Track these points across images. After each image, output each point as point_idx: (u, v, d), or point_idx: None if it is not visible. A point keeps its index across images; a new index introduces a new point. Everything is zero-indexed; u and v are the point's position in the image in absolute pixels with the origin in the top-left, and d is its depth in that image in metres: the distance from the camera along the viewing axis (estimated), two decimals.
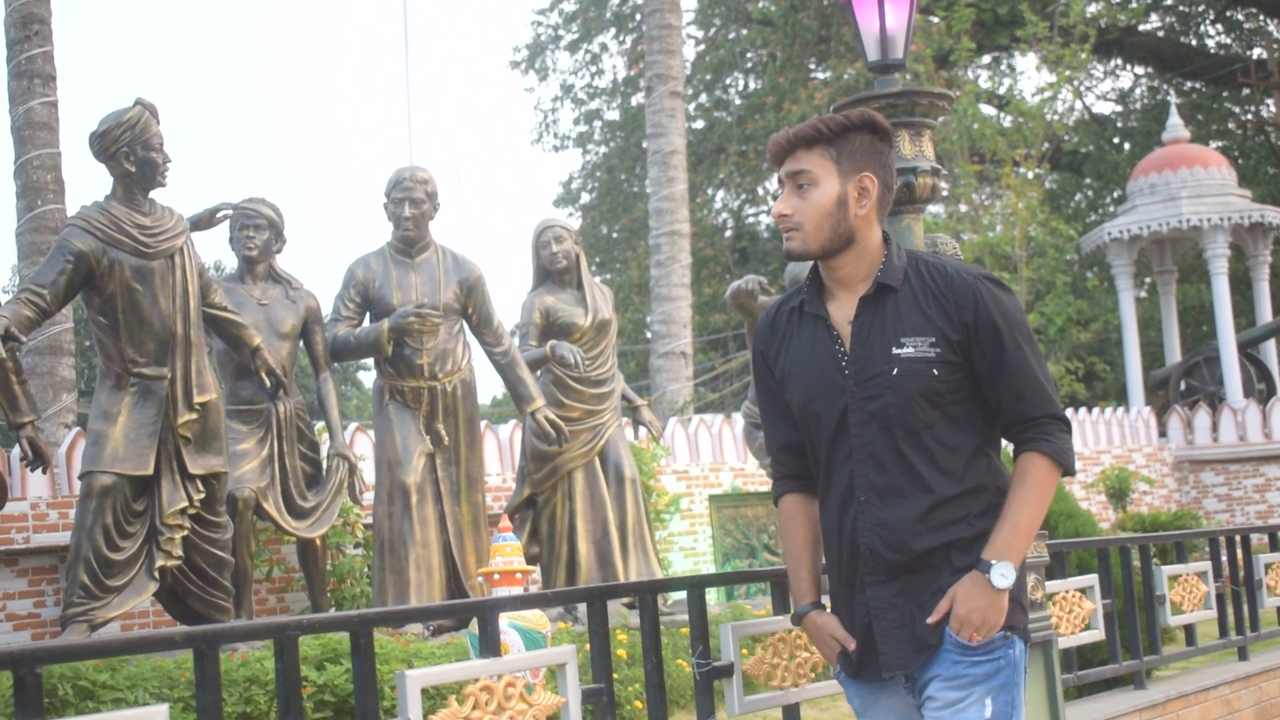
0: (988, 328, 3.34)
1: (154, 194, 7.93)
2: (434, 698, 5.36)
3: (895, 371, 3.33)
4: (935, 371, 3.32)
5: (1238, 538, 8.64)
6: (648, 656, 4.41)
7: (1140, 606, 7.49)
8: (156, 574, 7.79)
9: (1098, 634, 6.68)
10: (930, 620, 3.30)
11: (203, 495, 7.98)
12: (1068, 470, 3.38)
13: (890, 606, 3.36)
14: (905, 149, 5.45)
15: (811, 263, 3.52)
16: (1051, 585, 6.15)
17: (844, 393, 3.39)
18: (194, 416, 7.90)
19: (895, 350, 3.34)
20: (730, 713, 4.59)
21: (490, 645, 3.88)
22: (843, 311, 3.45)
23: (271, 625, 3.21)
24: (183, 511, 7.85)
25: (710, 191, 31.56)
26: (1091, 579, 6.72)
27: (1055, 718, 5.67)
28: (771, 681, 4.64)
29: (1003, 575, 3.25)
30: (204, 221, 9.03)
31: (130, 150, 7.75)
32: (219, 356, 9.05)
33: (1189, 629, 8.01)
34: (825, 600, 3.59)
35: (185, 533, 7.87)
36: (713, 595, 12.20)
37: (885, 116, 5.51)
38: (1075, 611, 6.53)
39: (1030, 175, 22.94)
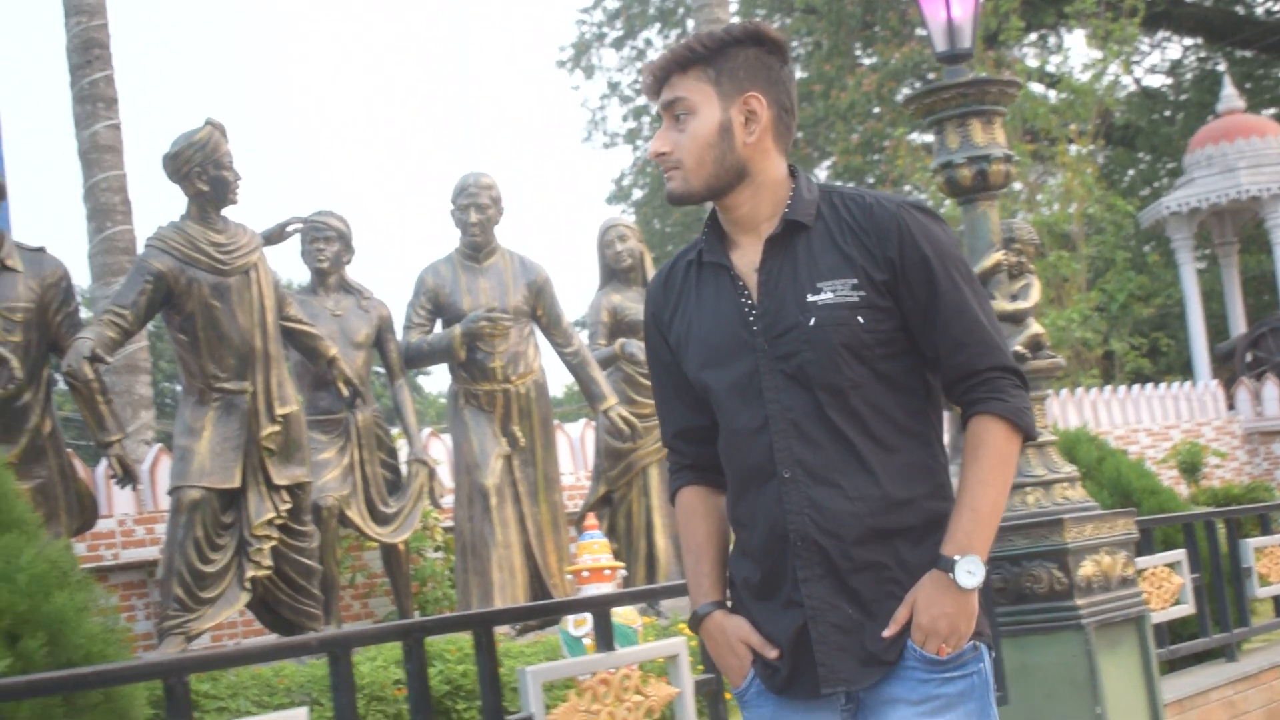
0: (917, 263, 2.81)
1: (226, 211, 8.07)
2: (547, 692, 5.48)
3: (812, 322, 2.79)
4: (860, 319, 2.79)
5: None
6: None
7: (1227, 580, 7.53)
8: (248, 584, 7.92)
9: (1188, 608, 6.73)
10: (887, 633, 2.75)
11: (289, 505, 8.11)
12: (1028, 434, 2.83)
13: (830, 607, 2.78)
14: (977, 137, 5.53)
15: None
16: (1141, 561, 6.19)
17: (753, 352, 2.85)
18: (277, 428, 8.03)
19: (811, 297, 2.81)
20: None
21: (605, 640, 3.98)
22: (747, 259, 2.91)
23: (399, 628, 3.32)
24: (270, 522, 7.98)
25: None
26: (1179, 554, 6.78)
27: (1152, 693, 5.73)
28: None
29: (969, 573, 2.72)
30: (275, 236, 9.17)
31: (202, 170, 7.89)
32: (296, 368, 9.19)
33: (1277, 600, 8.03)
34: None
35: (274, 543, 8.01)
36: None
37: (956, 106, 5.64)
38: (1164, 587, 6.59)
39: (1084, 152, 22.87)
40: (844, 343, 2.77)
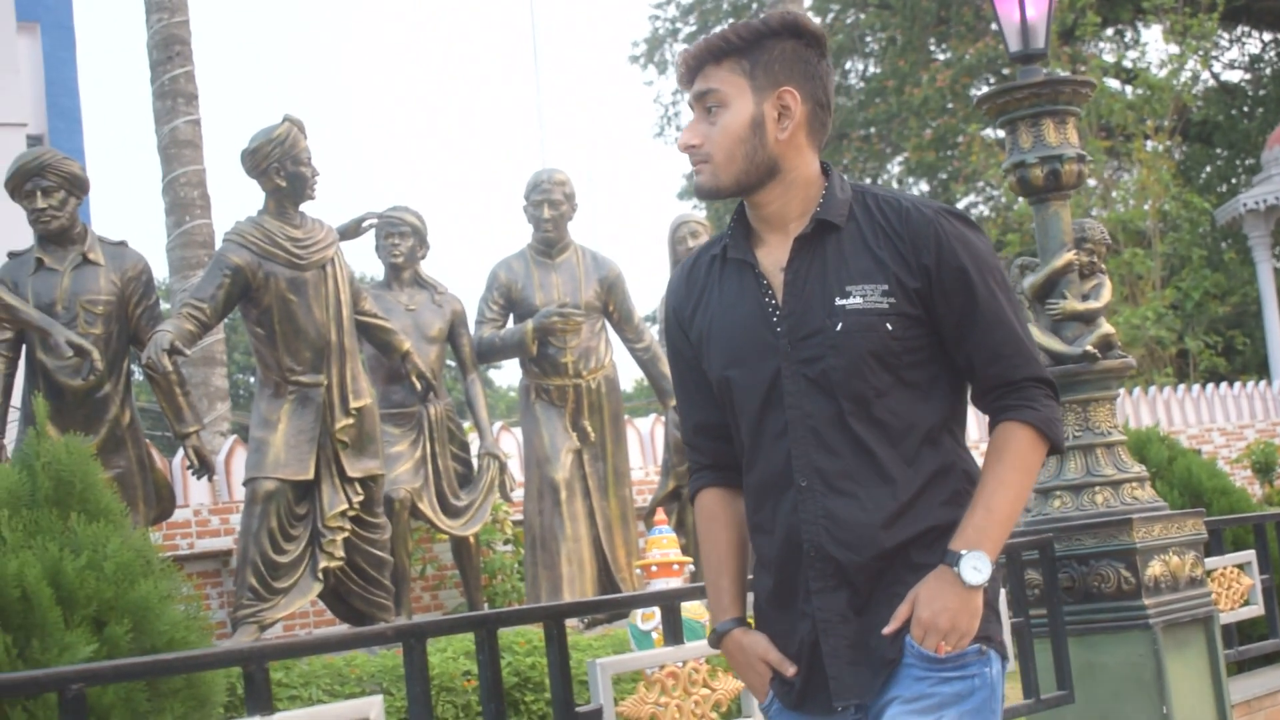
0: (954, 272, 2.73)
1: (304, 207, 8.19)
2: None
3: (839, 326, 2.71)
4: (889, 326, 2.71)
5: None
6: None
7: None
8: (320, 575, 8.05)
9: (1257, 609, 6.71)
10: (887, 630, 2.67)
11: (361, 497, 8.22)
12: (1055, 446, 2.78)
13: (841, 620, 2.71)
14: (1050, 137, 5.55)
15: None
16: (1210, 562, 6.19)
17: (776, 354, 2.76)
18: (351, 421, 8.14)
19: (839, 301, 2.72)
20: None
21: (674, 633, 4.05)
22: (774, 257, 2.82)
23: (473, 619, 3.40)
24: (343, 514, 8.10)
25: None
26: (1249, 555, 6.76)
27: (1220, 693, 5.73)
28: None
29: (975, 569, 2.62)
30: (350, 231, 9.29)
31: (280, 166, 8.00)
32: (370, 362, 9.31)
33: None
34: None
35: (346, 534, 8.12)
36: None
37: (1029, 106, 5.67)
38: (1234, 588, 6.57)
39: (1160, 148, 22.70)
40: (871, 350, 2.70)
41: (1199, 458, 7.85)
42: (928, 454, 2.74)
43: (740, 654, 2.84)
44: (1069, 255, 5.78)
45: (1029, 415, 2.73)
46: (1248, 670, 7.06)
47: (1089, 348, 5.67)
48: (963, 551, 2.62)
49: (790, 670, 2.75)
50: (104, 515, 3.14)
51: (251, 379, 35.07)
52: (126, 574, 3.01)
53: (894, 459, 2.70)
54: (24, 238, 8.06)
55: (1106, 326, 5.72)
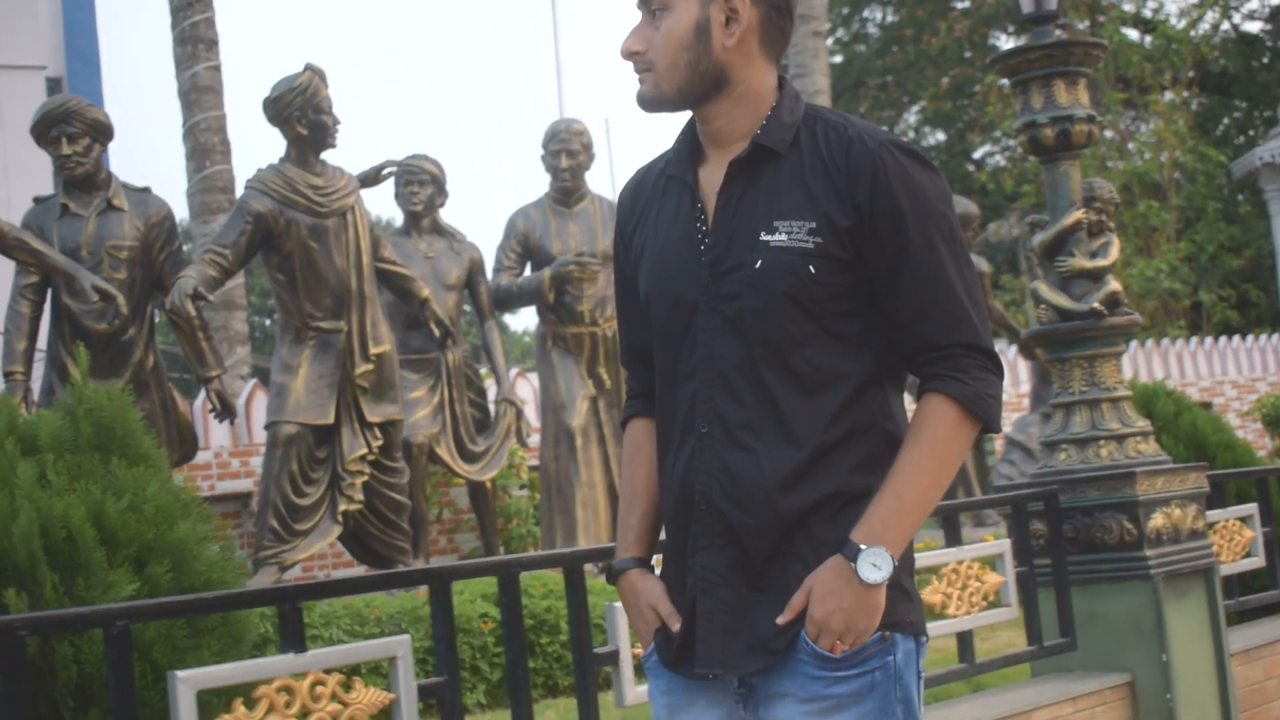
0: (888, 213, 2.45)
1: (324, 155, 8.30)
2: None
3: (759, 264, 2.46)
4: (811, 268, 2.44)
5: None
6: None
7: None
8: (340, 518, 8.21)
9: (1258, 561, 6.83)
10: (780, 620, 2.43)
11: (380, 442, 8.37)
12: (986, 424, 2.48)
13: (724, 582, 2.48)
14: (1061, 97, 5.65)
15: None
16: (1212, 514, 6.32)
17: (697, 286, 2.53)
18: (370, 367, 8.28)
19: (764, 235, 2.47)
20: None
21: None
22: (713, 179, 2.58)
23: (496, 563, 3.54)
24: (362, 458, 8.25)
25: None
26: (1251, 508, 6.87)
27: (1219, 642, 5.88)
28: (947, 610, 4.92)
29: (874, 566, 2.38)
30: (370, 179, 9.39)
31: (302, 114, 8.12)
32: (388, 309, 9.44)
33: None
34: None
35: (365, 478, 8.28)
36: None
37: (1042, 67, 5.77)
38: (1235, 540, 6.69)
39: (1177, 100, 22.68)
40: (787, 292, 2.45)
41: (1204, 412, 7.95)
42: (849, 414, 2.47)
43: (632, 596, 2.64)
44: (1078, 214, 5.89)
45: (954, 388, 2.45)
46: (1248, 620, 7.18)
47: (1096, 305, 5.79)
48: (862, 546, 2.39)
49: (676, 624, 2.54)
50: (143, 460, 3.28)
51: (267, 322, 35.23)
52: (165, 516, 3.16)
53: (802, 414, 2.46)
54: (45, 184, 8.18)
55: (1114, 284, 5.83)
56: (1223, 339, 18.35)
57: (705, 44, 2.50)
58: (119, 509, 3.10)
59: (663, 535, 2.67)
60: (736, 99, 2.54)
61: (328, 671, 3.12)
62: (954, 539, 5.15)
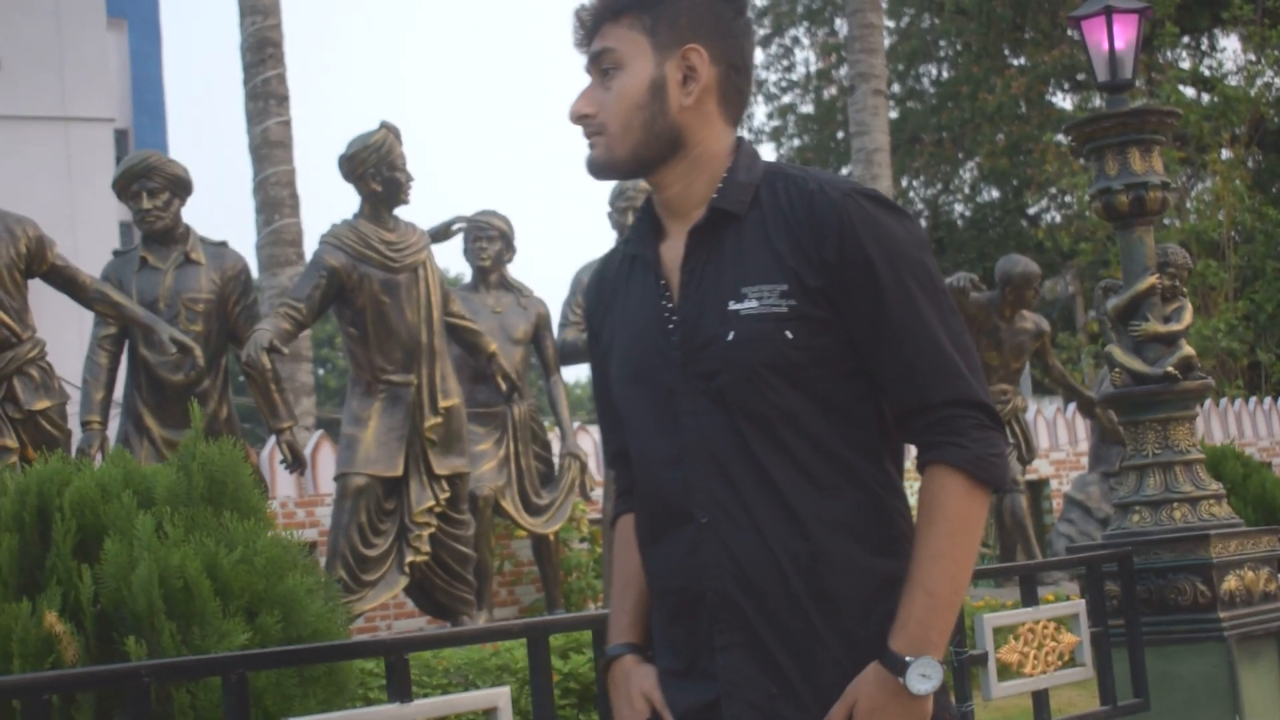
0: (858, 265, 2.26)
1: (397, 211, 8.45)
2: None
3: (731, 336, 2.28)
4: (788, 334, 2.26)
5: None
6: None
7: None
8: (406, 569, 8.32)
9: None
10: None
11: (448, 495, 8.49)
12: (993, 487, 2.28)
13: (749, 683, 2.28)
14: (1136, 164, 5.76)
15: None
16: None
17: (670, 367, 2.35)
18: (439, 420, 8.41)
19: (733, 305, 2.29)
20: (985, 697, 4.96)
21: None
22: (675, 253, 2.40)
23: (590, 618, 3.64)
24: (430, 510, 8.37)
25: (905, 181, 31.63)
26: None
27: None
28: (1023, 669, 4.98)
29: (923, 677, 2.20)
30: (440, 234, 9.56)
31: (376, 171, 8.28)
32: (456, 362, 9.58)
33: None
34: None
35: (432, 530, 8.39)
36: None
37: (1117, 134, 5.87)
38: None
39: (1235, 158, 22.68)
40: (766, 362, 2.27)
41: (1273, 474, 7.98)
42: (849, 487, 2.31)
43: (624, 683, 2.46)
44: (1152, 279, 5.97)
45: (955, 456, 2.26)
46: None
47: (1170, 369, 5.86)
48: (908, 658, 2.20)
49: (669, 718, 2.37)
50: (253, 513, 3.40)
51: (321, 371, 35.51)
52: (275, 568, 3.27)
53: (802, 492, 2.28)
54: (112, 232, 8.36)
55: (1187, 348, 5.90)
56: (1253, 401, 18.30)
57: (661, 104, 2.36)
58: (232, 560, 3.21)
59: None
60: (692, 162, 2.38)
61: None
62: (1030, 599, 5.22)
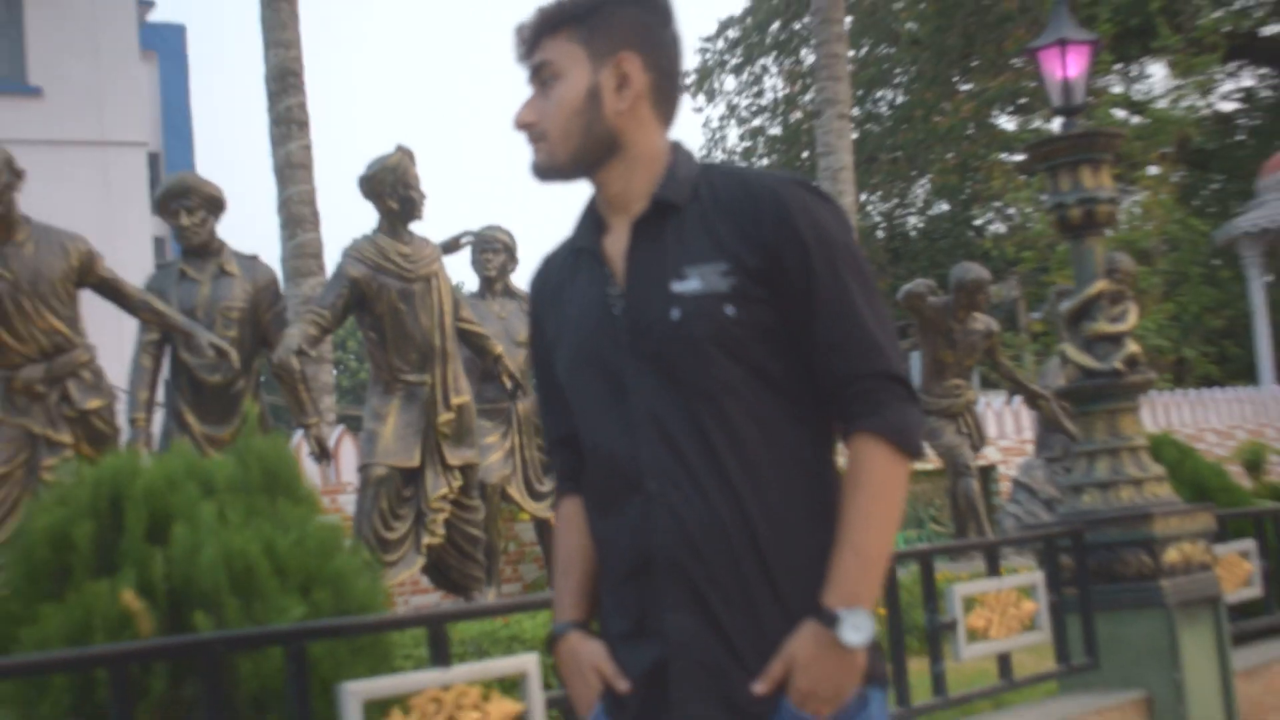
0: (794, 247, 2.25)
1: (411, 226, 8.49)
2: None
3: (675, 315, 2.26)
4: (729, 310, 2.24)
5: None
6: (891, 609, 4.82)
7: None
8: (423, 550, 8.36)
9: (1256, 591, 6.92)
10: (760, 689, 2.20)
11: (460, 483, 8.53)
12: (912, 454, 2.27)
13: (696, 642, 2.22)
14: (1087, 181, 5.81)
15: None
16: (1217, 549, 6.41)
17: (618, 350, 2.32)
18: (451, 416, 8.44)
19: (676, 286, 2.27)
20: (956, 658, 5.02)
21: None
22: (618, 244, 2.38)
23: None
24: (444, 497, 8.40)
25: (864, 196, 31.73)
26: (1249, 544, 6.97)
27: (1224, 662, 5.97)
28: (989, 633, 5.04)
29: (855, 628, 2.17)
30: (449, 247, 9.60)
31: (393, 190, 8.31)
32: (466, 364, 9.61)
33: None
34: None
35: (446, 515, 8.43)
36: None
37: (1069, 154, 5.93)
38: (1236, 572, 6.78)
39: (1163, 174, 22.84)
40: (710, 337, 2.24)
41: (1204, 459, 8.05)
42: (785, 458, 2.27)
43: (572, 659, 2.38)
44: (1101, 284, 6.03)
45: (877, 424, 2.24)
46: (1247, 643, 7.26)
47: (1117, 364, 5.92)
48: (839, 611, 2.18)
49: (622, 686, 2.29)
50: (305, 501, 3.44)
51: (335, 372, 35.46)
52: (325, 549, 3.30)
53: (740, 462, 2.24)
54: (146, 247, 8.37)
55: (1132, 346, 5.96)
56: (1204, 390, 18.42)
57: (597, 109, 2.33)
58: (287, 543, 3.25)
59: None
60: (631, 162, 2.36)
61: (470, 684, 3.25)
62: (995, 571, 5.28)
